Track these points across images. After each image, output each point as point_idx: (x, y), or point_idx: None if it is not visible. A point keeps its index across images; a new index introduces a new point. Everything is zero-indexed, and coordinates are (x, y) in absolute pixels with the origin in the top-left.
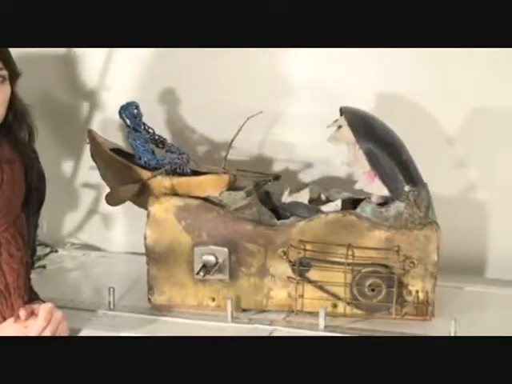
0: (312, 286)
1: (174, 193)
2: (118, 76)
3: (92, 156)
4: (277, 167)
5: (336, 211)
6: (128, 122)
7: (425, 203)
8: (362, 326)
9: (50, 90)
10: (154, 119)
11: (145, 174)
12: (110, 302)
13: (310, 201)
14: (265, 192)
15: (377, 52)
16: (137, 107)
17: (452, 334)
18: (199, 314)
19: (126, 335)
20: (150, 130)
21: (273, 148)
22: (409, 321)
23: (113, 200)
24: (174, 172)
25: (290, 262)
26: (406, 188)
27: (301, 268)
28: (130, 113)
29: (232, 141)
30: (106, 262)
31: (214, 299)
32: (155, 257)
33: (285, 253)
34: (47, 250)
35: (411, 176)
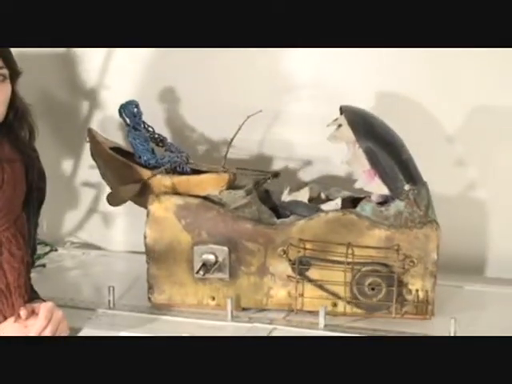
0: (312, 285)
1: (174, 191)
2: (118, 75)
3: (92, 155)
4: (277, 166)
5: (336, 210)
6: (128, 120)
7: (425, 202)
8: (361, 325)
9: (50, 89)
10: (154, 118)
11: (145, 172)
12: (109, 301)
13: (310, 200)
14: (264, 191)
15: (377, 52)
16: (137, 106)
17: (452, 333)
18: (199, 313)
19: (126, 334)
20: (150, 129)
21: (273, 147)
22: (409, 320)
23: (114, 200)
24: (173, 171)
25: (289, 260)
26: (406, 187)
27: (301, 267)
28: (129, 112)
29: (232, 140)
30: (106, 260)
31: (213, 298)
32: (155, 256)
33: (285, 252)
34: (47, 248)
35: (411, 175)
